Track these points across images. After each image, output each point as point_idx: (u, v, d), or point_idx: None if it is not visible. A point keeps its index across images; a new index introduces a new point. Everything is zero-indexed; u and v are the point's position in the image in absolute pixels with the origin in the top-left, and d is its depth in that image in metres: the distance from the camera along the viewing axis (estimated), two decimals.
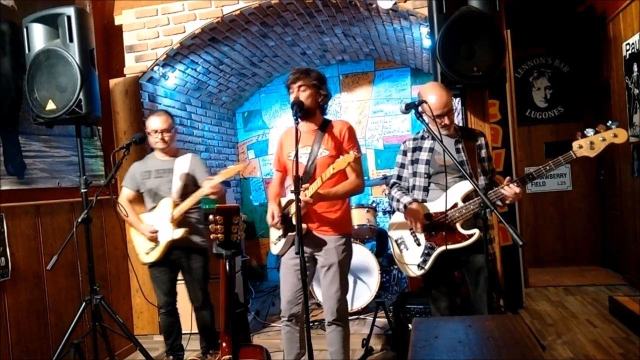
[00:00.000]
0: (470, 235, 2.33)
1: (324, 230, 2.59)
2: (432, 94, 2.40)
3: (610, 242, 5.37)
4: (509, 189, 2.28)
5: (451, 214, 2.36)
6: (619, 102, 4.56)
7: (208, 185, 2.84)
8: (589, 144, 2.17)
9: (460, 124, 3.29)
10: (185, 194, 2.95)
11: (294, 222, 2.53)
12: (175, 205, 2.94)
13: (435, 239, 2.41)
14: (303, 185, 2.35)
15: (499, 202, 2.38)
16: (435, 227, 2.42)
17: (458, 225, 2.36)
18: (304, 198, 2.34)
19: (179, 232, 2.92)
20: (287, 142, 2.69)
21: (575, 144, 2.20)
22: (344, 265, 2.63)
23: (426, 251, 2.43)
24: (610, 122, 2.16)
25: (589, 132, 2.17)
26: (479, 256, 2.36)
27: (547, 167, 2.24)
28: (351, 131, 2.61)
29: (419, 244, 2.47)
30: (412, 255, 2.49)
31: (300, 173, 2.51)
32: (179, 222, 2.95)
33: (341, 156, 2.35)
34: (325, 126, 2.60)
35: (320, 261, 2.62)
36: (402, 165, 2.60)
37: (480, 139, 2.54)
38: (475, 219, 2.37)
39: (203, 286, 3.06)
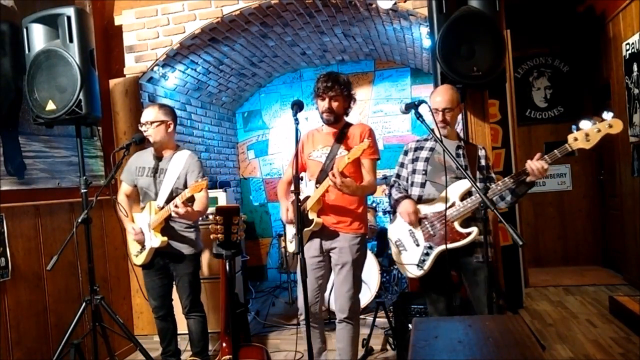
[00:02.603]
0: (469, 234, 2.34)
1: (340, 227, 2.62)
2: (436, 93, 2.50)
3: (610, 242, 5.37)
4: (535, 163, 2.23)
5: (449, 213, 2.37)
6: (619, 102, 4.56)
7: (171, 205, 2.66)
8: (584, 135, 2.16)
9: (460, 125, 3.30)
10: (172, 198, 2.77)
11: (309, 217, 2.58)
12: (157, 210, 2.81)
13: (434, 239, 2.42)
14: (330, 172, 2.41)
15: (500, 202, 2.39)
16: (432, 226, 2.43)
17: (456, 224, 2.36)
18: (334, 172, 2.36)
19: (157, 242, 2.78)
20: (308, 144, 2.76)
21: (570, 137, 2.19)
22: (358, 264, 2.66)
23: (425, 251, 2.44)
24: (605, 112, 2.18)
25: (585, 123, 2.17)
26: (473, 257, 2.39)
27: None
28: (372, 134, 2.66)
29: (417, 245, 2.47)
30: (411, 256, 2.50)
31: (318, 171, 2.65)
32: (162, 229, 2.83)
33: (355, 146, 2.41)
34: (346, 128, 2.68)
35: (334, 259, 2.65)
36: (402, 165, 2.64)
37: (481, 150, 2.56)
38: (475, 218, 2.38)
39: (191, 294, 2.93)
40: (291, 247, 2.79)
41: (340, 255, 2.61)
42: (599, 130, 2.14)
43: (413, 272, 2.48)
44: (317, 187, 2.60)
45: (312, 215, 2.58)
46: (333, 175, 2.35)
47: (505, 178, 2.34)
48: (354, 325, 2.67)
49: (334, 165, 2.56)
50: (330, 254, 2.67)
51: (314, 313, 2.67)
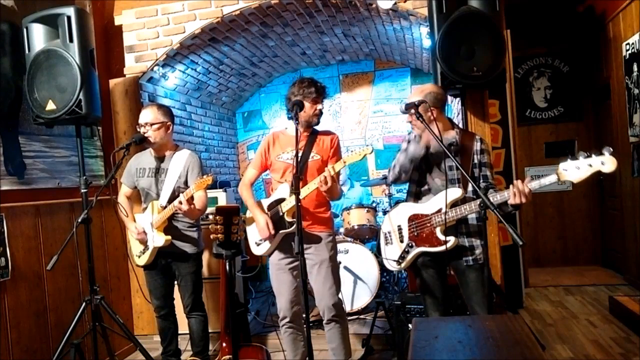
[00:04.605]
0: (446, 242, 2.34)
1: (315, 227, 2.73)
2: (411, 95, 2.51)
3: (610, 242, 5.37)
4: (521, 185, 2.14)
5: (434, 218, 2.38)
6: (619, 102, 4.56)
7: (176, 202, 2.67)
8: (574, 167, 2.06)
9: (460, 125, 3.29)
10: (174, 197, 2.78)
11: (287, 219, 2.64)
12: (160, 209, 2.82)
13: (416, 239, 2.45)
14: (333, 167, 2.49)
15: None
16: (418, 227, 2.44)
17: (438, 230, 2.37)
18: (326, 176, 2.45)
19: (160, 241, 2.79)
20: (275, 145, 2.81)
21: (561, 166, 2.09)
22: (335, 260, 2.78)
23: (406, 249, 2.48)
24: (605, 148, 2.02)
25: (581, 155, 2.05)
26: (463, 260, 2.42)
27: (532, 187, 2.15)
28: (339, 142, 2.84)
29: (402, 241, 2.50)
30: (393, 250, 2.54)
31: (291, 174, 2.65)
32: (165, 228, 2.83)
33: (353, 150, 2.51)
34: (315, 133, 2.80)
35: (312, 258, 2.70)
36: (403, 150, 2.63)
37: (476, 143, 2.48)
38: (457, 227, 2.39)
39: (193, 293, 2.95)
40: (259, 250, 2.79)
41: (318, 254, 2.71)
42: (591, 166, 2.03)
43: (392, 266, 2.54)
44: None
45: (288, 218, 2.64)
46: (326, 178, 2.45)
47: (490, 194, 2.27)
48: (342, 321, 2.74)
49: (308, 167, 2.69)
50: (305, 255, 2.65)
51: (298, 313, 2.73)
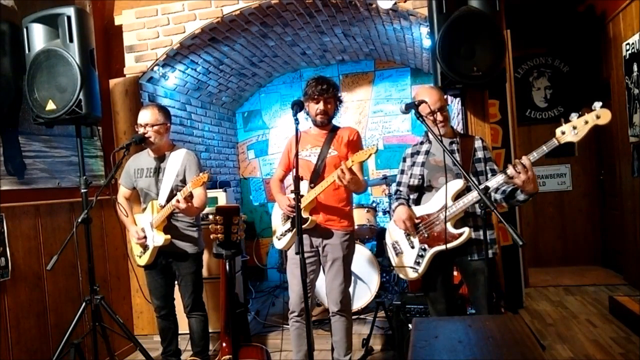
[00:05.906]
0: (460, 234, 2.31)
1: (332, 224, 2.76)
2: (424, 95, 2.44)
3: (610, 242, 5.37)
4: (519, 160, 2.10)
5: (441, 215, 2.35)
6: (619, 102, 4.56)
7: (173, 201, 2.66)
8: (571, 129, 2.05)
9: (460, 124, 3.30)
10: (172, 196, 2.76)
11: (303, 215, 2.67)
12: (159, 209, 2.81)
13: (428, 241, 2.41)
14: (345, 163, 2.48)
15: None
16: (426, 228, 2.42)
17: (448, 225, 2.33)
18: (343, 169, 2.45)
19: (160, 240, 2.78)
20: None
21: (558, 130, 2.08)
22: (348, 259, 2.81)
23: (420, 253, 2.44)
24: (595, 103, 2.02)
25: (573, 116, 2.05)
26: (467, 256, 2.38)
27: (531, 158, 2.12)
28: (360, 137, 2.86)
29: (412, 247, 2.47)
30: (406, 258, 2.50)
31: (310, 171, 2.76)
32: (165, 227, 2.83)
33: (363, 149, 2.53)
34: (335, 130, 2.83)
35: (326, 255, 2.77)
36: (402, 172, 2.63)
37: (477, 141, 2.49)
38: (466, 219, 2.37)
39: (193, 293, 2.95)
40: (279, 244, 2.89)
41: (332, 252, 2.75)
42: (587, 122, 2.02)
43: (409, 274, 2.49)
44: (311, 187, 2.69)
45: (305, 214, 2.68)
46: (342, 172, 2.44)
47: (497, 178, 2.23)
48: (347, 316, 2.83)
49: (326, 164, 2.72)
50: (320, 250, 2.79)
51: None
